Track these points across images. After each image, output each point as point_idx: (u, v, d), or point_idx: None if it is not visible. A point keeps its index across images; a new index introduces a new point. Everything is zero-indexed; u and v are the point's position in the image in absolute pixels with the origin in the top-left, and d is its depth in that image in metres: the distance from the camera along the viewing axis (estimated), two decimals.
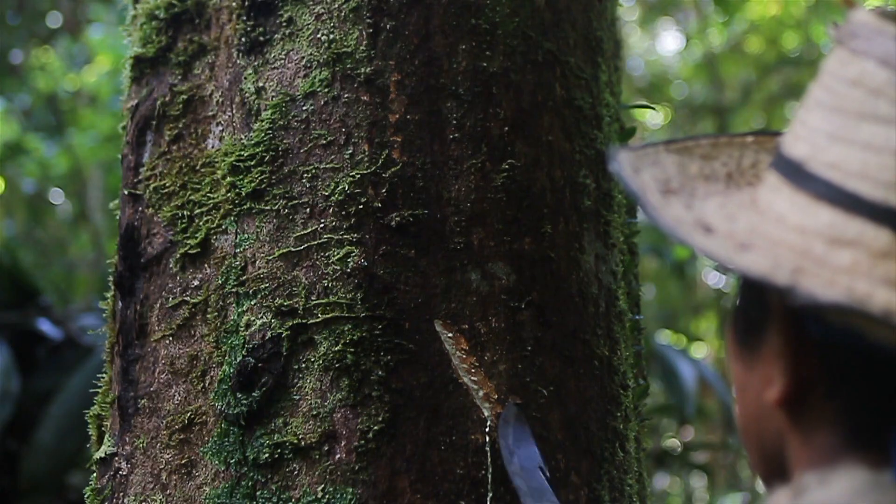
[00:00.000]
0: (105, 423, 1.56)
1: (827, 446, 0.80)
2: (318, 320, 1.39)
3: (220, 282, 1.45)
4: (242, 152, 1.47)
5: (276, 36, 1.50)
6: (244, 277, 1.43)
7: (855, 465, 0.78)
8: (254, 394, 1.38)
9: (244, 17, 1.52)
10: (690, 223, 0.80)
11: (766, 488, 0.88)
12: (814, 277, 0.73)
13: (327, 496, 1.32)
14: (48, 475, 3.88)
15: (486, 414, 1.37)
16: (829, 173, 0.76)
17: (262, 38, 1.51)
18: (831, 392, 0.80)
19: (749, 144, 0.91)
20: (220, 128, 1.51)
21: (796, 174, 0.78)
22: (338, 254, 1.40)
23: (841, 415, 0.79)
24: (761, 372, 0.84)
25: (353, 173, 1.42)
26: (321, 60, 1.47)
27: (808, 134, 0.79)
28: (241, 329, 1.41)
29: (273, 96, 1.48)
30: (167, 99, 1.57)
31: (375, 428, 1.35)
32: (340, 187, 1.42)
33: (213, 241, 1.47)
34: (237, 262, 1.44)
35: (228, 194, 1.47)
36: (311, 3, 1.49)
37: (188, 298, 1.47)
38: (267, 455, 1.36)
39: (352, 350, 1.37)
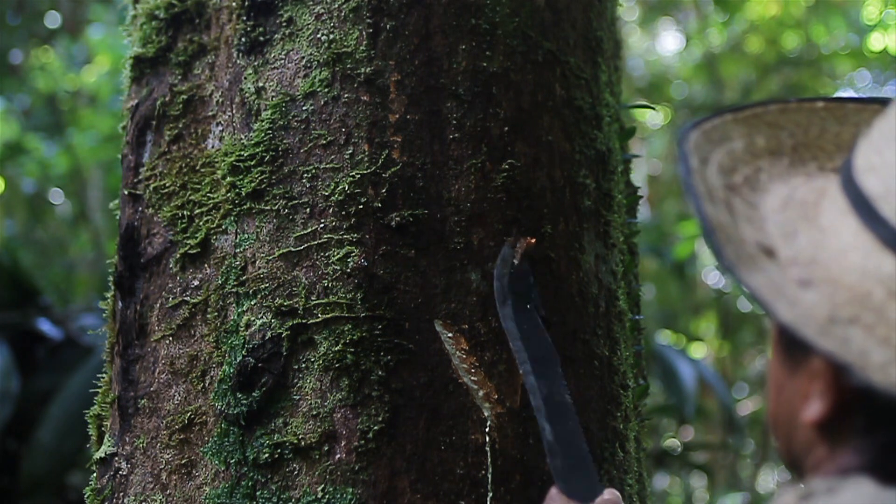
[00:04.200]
0: (105, 423, 1.56)
1: (847, 465, 0.82)
2: (318, 320, 1.39)
3: (220, 282, 1.45)
4: (242, 152, 1.47)
5: (276, 36, 1.50)
6: (244, 277, 1.43)
7: (864, 480, 0.80)
8: (254, 394, 1.38)
9: (244, 17, 1.52)
10: (752, 246, 0.80)
11: (789, 473, 0.90)
12: (868, 333, 0.74)
13: (327, 496, 1.32)
14: (48, 475, 3.88)
15: (486, 414, 1.37)
16: None
17: (262, 38, 1.51)
18: (867, 428, 0.81)
19: (818, 111, 0.90)
20: (220, 128, 1.51)
21: (866, 210, 0.79)
22: (338, 254, 1.40)
23: (870, 448, 0.81)
24: (801, 383, 0.86)
25: (353, 173, 1.42)
26: (321, 60, 1.47)
27: (883, 168, 0.79)
28: (241, 329, 1.41)
29: (273, 96, 1.48)
30: (167, 99, 1.57)
31: (375, 428, 1.35)
32: (340, 187, 1.42)
33: (213, 241, 1.47)
34: (237, 262, 1.44)
35: (228, 194, 1.47)
36: (311, 3, 1.49)
37: (188, 298, 1.47)
38: (267, 455, 1.36)
39: (352, 350, 1.37)
